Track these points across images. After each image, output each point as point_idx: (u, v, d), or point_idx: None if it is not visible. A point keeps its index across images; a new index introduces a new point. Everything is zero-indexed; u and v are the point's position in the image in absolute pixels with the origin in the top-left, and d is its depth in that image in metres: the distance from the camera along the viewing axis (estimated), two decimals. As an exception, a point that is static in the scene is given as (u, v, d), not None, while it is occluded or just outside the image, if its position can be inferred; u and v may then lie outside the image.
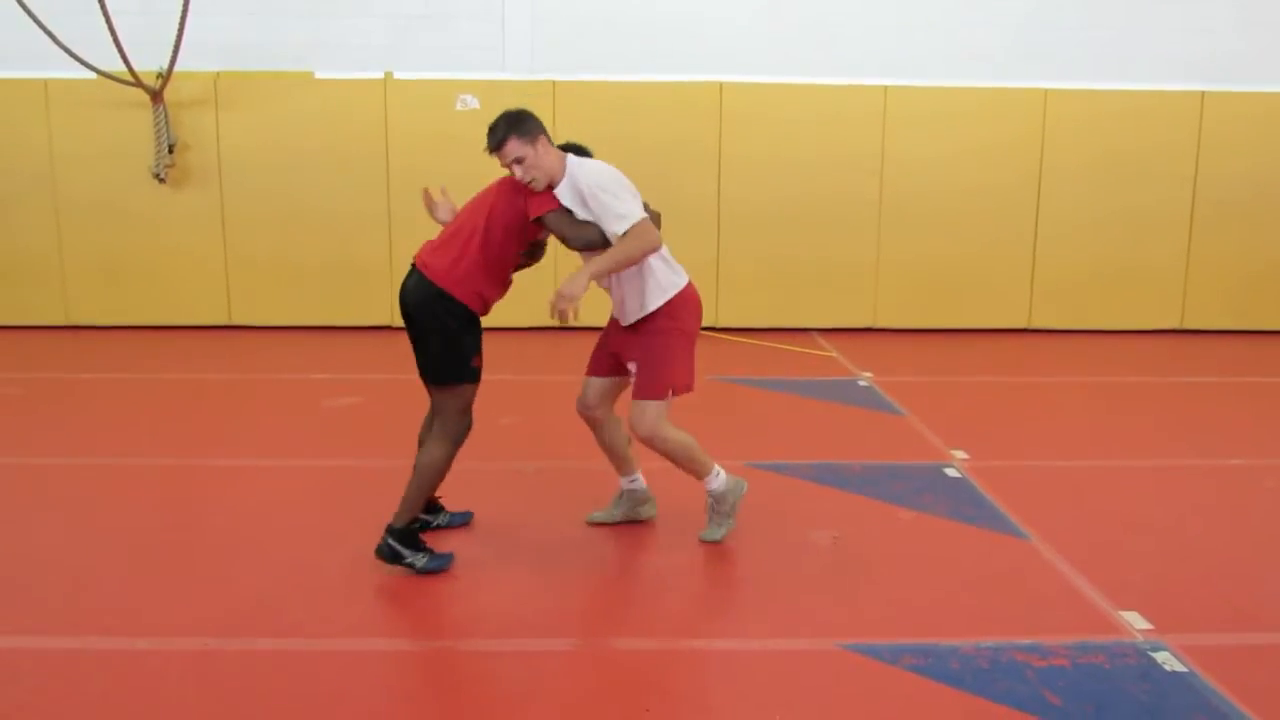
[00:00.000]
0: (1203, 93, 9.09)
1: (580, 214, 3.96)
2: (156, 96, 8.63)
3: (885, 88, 9.04)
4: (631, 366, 4.16)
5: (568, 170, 3.98)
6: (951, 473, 5.33)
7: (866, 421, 6.44)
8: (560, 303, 3.79)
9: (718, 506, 4.33)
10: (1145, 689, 3.23)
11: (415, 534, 4.09)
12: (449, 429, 4.06)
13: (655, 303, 4.07)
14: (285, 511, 4.76)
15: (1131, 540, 4.49)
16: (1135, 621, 3.66)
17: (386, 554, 4.03)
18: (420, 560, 4.03)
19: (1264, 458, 5.74)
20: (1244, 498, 5.11)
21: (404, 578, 4.01)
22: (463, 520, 4.60)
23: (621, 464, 4.52)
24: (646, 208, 4.03)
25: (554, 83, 8.91)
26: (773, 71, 9.16)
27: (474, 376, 4.07)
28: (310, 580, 4.01)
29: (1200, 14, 9.52)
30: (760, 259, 9.22)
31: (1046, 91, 9.07)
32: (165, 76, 8.55)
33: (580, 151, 4.21)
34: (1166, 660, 3.39)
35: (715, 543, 4.32)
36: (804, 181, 9.09)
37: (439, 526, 4.50)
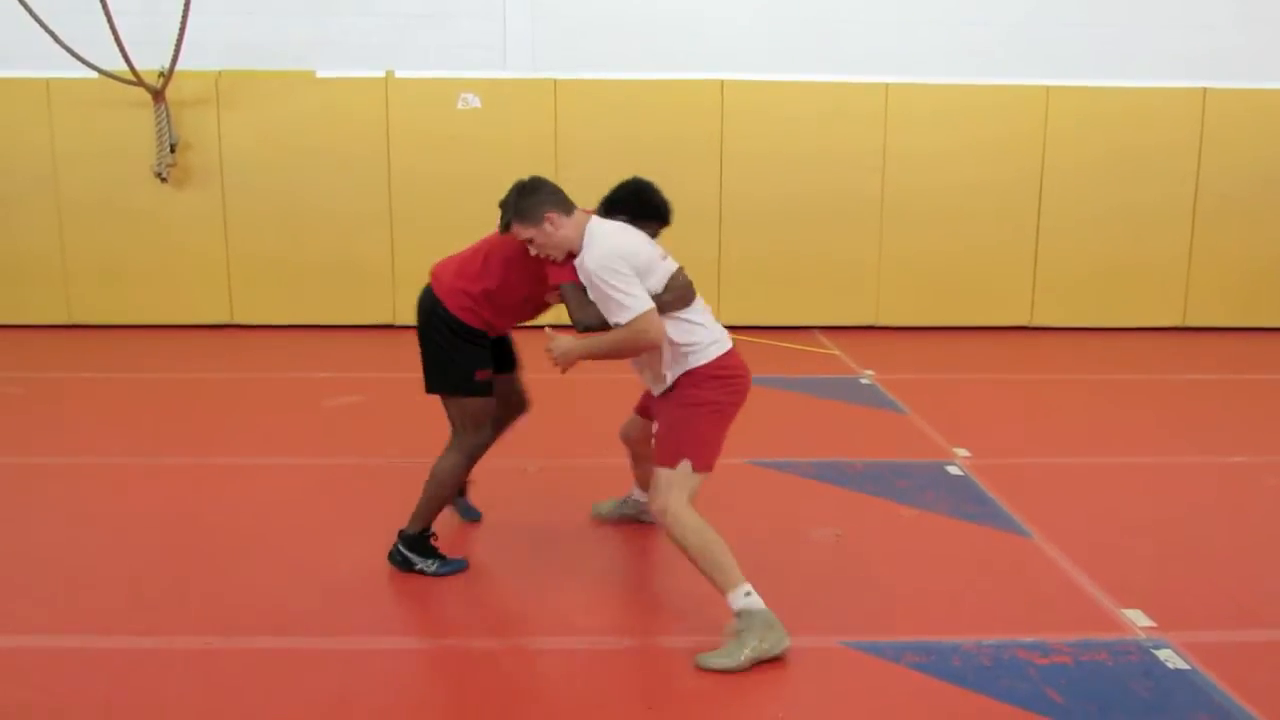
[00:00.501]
0: (1204, 89, 9.07)
1: (590, 293, 3.64)
2: (158, 96, 8.63)
3: (886, 85, 9.03)
4: (654, 427, 3.80)
5: (584, 244, 3.63)
6: (953, 470, 5.32)
7: (868, 419, 6.44)
8: (552, 357, 3.65)
9: (740, 627, 3.39)
10: (1148, 686, 3.22)
11: (426, 540, 4.07)
12: (460, 441, 4.03)
13: (673, 374, 3.69)
14: (287, 510, 4.76)
15: (1134, 538, 4.49)
16: (1138, 619, 3.66)
17: (398, 561, 4.05)
18: (432, 566, 4.03)
19: (1266, 455, 5.73)
20: (1246, 495, 5.11)
21: (405, 575, 4.01)
22: (472, 517, 4.61)
23: (646, 483, 4.41)
24: (681, 273, 3.71)
25: (555, 81, 8.91)
26: (774, 69, 9.15)
27: (479, 390, 3.97)
28: (312, 578, 4.02)
29: (1201, 10, 9.51)
30: (762, 256, 9.21)
31: (1048, 88, 9.06)
32: (167, 76, 8.55)
33: (639, 191, 3.94)
34: (1169, 658, 3.39)
35: (714, 671, 3.32)
36: (805, 179, 9.08)
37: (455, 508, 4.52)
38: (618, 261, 3.53)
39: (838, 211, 9.17)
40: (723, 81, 8.94)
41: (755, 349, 8.47)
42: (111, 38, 7.98)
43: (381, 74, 8.92)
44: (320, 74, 8.91)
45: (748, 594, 3.42)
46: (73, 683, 3.24)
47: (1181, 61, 9.40)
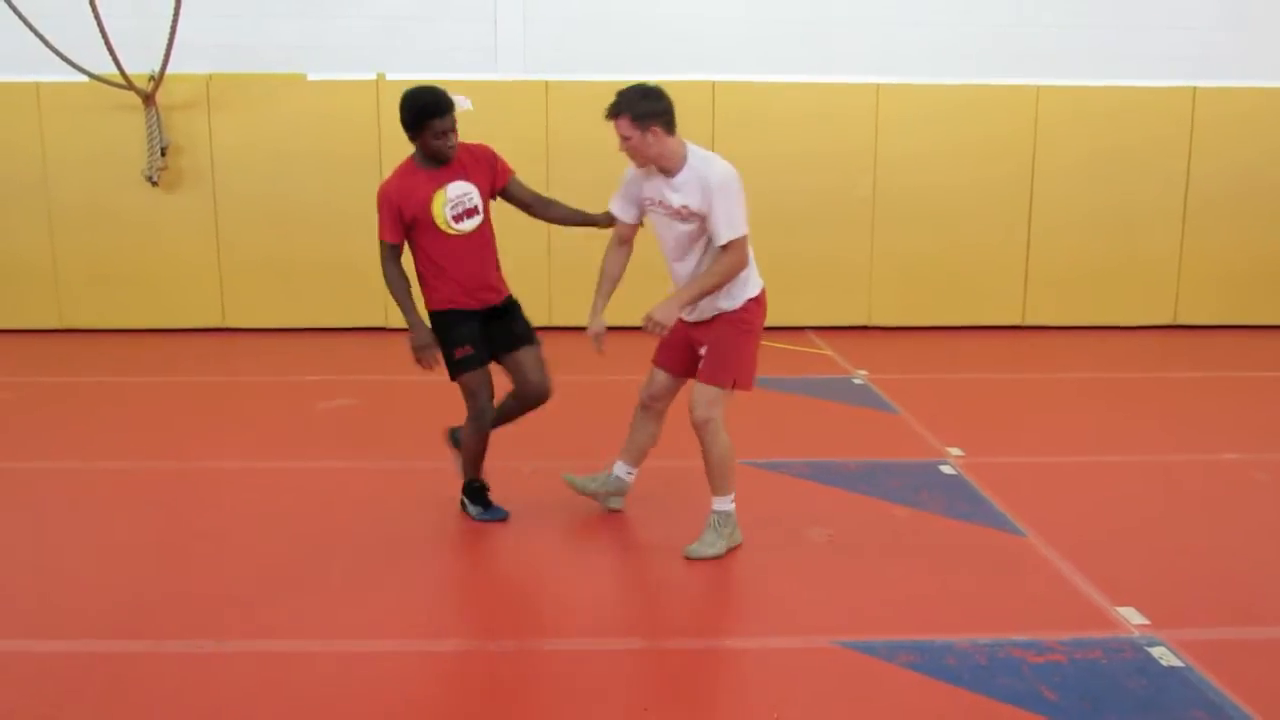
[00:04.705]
0: (1194, 88, 9.10)
1: (694, 204, 3.95)
2: (148, 99, 8.61)
3: (878, 86, 9.04)
4: (702, 350, 4.15)
5: (692, 164, 3.99)
6: (947, 470, 5.33)
7: (861, 419, 6.44)
8: (650, 326, 3.94)
9: (719, 527, 4.22)
10: (1142, 684, 3.23)
11: (475, 490, 4.60)
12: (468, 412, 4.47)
13: (728, 305, 4.10)
14: (279, 513, 4.75)
15: (1127, 535, 4.50)
16: (1131, 616, 3.67)
17: (462, 504, 4.66)
18: (474, 511, 4.60)
19: (1257, 452, 5.75)
20: (1239, 492, 5.13)
21: (398, 578, 4.00)
22: (499, 516, 4.68)
23: (635, 456, 4.58)
24: None
25: (546, 83, 8.91)
26: (765, 71, 9.16)
27: (458, 367, 4.35)
28: (305, 582, 4.01)
29: (1191, 10, 9.53)
30: (754, 257, 9.19)
31: (1038, 88, 9.07)
32: (157, 79, 8.53)
33: (405, 103, 4.26)
34: (1163, 655, 3.40)
35: (701, 559, 4.16)
36: (797, 180, 9.08)
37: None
38: (737, 183, 3.96)
39: (830, 212, 9.17)
40: (714, 83, 8.94)
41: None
42: (102, 41, 7.96)
43: (373, 76, 8.90)
44: (311, 77, 8.89)
45: (732, 501, 4.21)
46: (63, 686, 3.23)
47: (1171, 61, 9.42)
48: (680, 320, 4.16)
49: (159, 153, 8.73)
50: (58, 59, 8.12)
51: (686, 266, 4.12)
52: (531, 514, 4.70)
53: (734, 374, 4.12)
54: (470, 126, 8.75)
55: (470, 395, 4.37)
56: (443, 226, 4.24)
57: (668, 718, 3.09)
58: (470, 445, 4.50)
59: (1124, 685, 3.22)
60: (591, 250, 9.03)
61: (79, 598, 3.86)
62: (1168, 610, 3.73)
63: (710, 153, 4.06)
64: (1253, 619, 3.74)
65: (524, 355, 4.46)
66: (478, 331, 4.35)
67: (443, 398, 6.85)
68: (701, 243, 4.05)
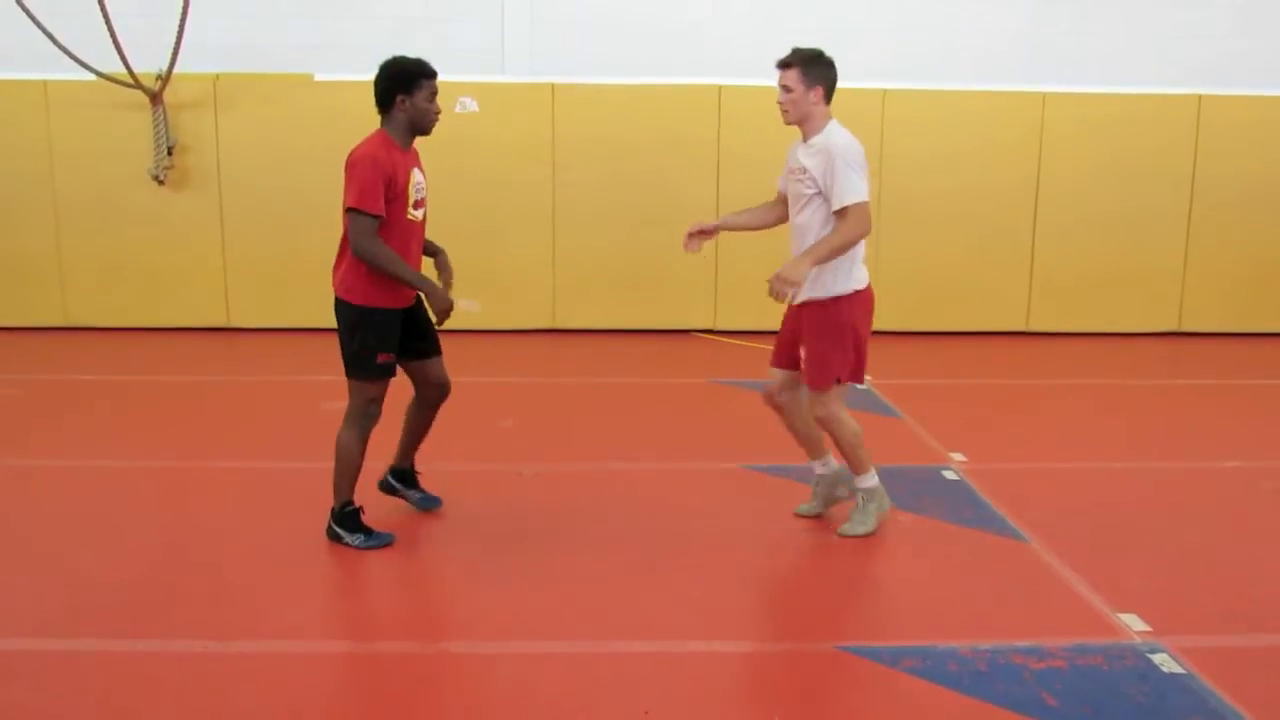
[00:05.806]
0: (1199, 96, 9.10)
1: (817, 171, 4.13)
2: (156, 98, 8.63)
3: (884, 91, 9.04)
4: (801, 352, 4.29)
5: (827, 131, 4.20)
6: (949, 475, 5.33)
7: (864, 424, 6.36)
8: (779, 285, 3.98)
9: (865, 505, 4.42)
10: (1143, 690, 3.24)
11: (350, 515, 4.24)
12: (354, 417, 4.21)
13: (828, 291, 4.20)
14: (284, 514, 4.75)
15: (1130, 543, 4.50)
16: (1133, 623, 3.67)
17: (331, 535, 4.27)
18: (356, 540, 4.22)
19: (1261, 460, 5.75)
20: (1242, 500, 5.12)
21: (403, 579, 4.01)
22: (434, 505, 4.66)
23: (811, 447, 4.63)
24: None
25: (553, 85, 8.92)
26: (771, 75, 9.09)
27: (367, 372, 4.15)
28: (309, 582, 4.02)
29: (1197, 18, 9.55)
30: (758, 261, 9.14)
31: (1045, 95, 9.08)
32: (164, 78, 8.55)
33: (382, 74, 4.19)
34: (1164, 662, 3.40)
35: (853, 537, 4.38)
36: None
37: (409, 500, 4.62)
38: (858, 153, 4.13)
39: (834, 216, 9.17)
40: (720, 86, 8.95)
41: (752, 354, 8.49)
42: (109, 40, 7.98)
43: (379, 77, 8.91)
44: (318, 77, 8.91)
45: (873, 475, 4.39)
46: (67, 685, 3.24)
47: (1177, 68, 9.43)
48: (788, 315, 4.37)
49: (165, 152, 8.75)
50: (66, 57, 8.14)
51: (799, 227, 4.28)
52: (532, 517, 4.71)
53: (835, 374, 4.26)
54: (476, 128, 8.86)
55: (371, 402, 4.18)
56: (408, 212, 4.12)
57: (669, 720, 3.10)
58: (353, 458, 4.20)
59: (1125, 692, 3.23)
60: (594, 255, 9.11)
61: (82, 596, 3.87)
62: (1169, 617, 3.73)
63: (845, 130, 4.25)
64: (1254, 626, 3.74)
65: (433, 364, 4.40)
66: (398, 335, 4.20)
67: (450, 397, 6.87)
68: (815, 204, 4.20)
